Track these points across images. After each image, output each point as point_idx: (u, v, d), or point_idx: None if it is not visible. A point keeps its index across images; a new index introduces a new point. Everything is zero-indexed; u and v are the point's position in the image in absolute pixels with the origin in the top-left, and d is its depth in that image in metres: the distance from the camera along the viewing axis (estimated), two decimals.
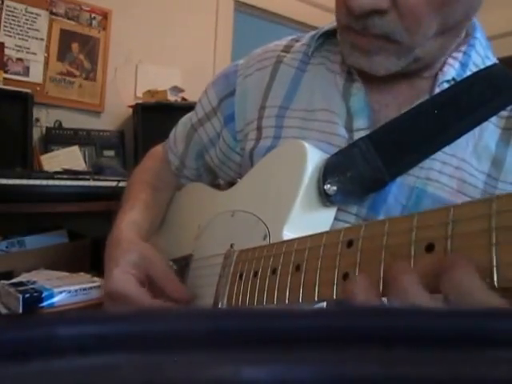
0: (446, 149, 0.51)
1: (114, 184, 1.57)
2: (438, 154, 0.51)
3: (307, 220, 0.50)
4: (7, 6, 1.84)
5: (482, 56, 0.55)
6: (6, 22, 1.84)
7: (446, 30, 0.49)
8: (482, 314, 0.15)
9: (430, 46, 0.50)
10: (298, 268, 0.40)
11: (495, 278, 0.26)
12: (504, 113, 0.52)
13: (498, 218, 0.27)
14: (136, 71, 2.22)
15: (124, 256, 0.59)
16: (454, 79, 0.53)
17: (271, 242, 0.50)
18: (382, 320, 0.15)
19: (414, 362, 0.13)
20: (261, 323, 0.15)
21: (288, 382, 0.13)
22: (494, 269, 0.26)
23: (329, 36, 0.62)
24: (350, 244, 0.36)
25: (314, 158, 0.51)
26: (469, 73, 0.53)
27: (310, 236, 0.40)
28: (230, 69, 0.71)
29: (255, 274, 0.46)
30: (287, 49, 0.66)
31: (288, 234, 0.49)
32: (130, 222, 0.67)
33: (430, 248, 0.30)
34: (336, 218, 0.52)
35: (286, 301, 0.40)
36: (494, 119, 0.52)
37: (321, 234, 0.39)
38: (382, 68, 0.52)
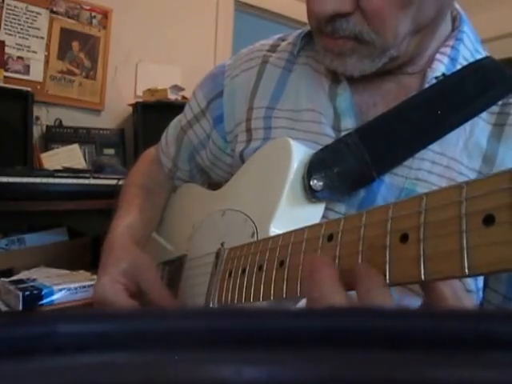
0: (436, 147, 0.51)
1: (114, 182, 1.57)
2: (428, 154, 0.51)
3: (294, 216, 0.50)
4: (8, 5, 1.85)
5: (470, 50, 0.55)
6: (6, 21, 1.84)
7: (421, 28, 0.49)
8: (484, 317, 0.15)
9: (405, 45, 0.50)
10: (281, 263, 0.40)
11: (466, 265, 0.26)
12: (495, 108, 0.52)
13: (467, 204, 0.27)
14: (136, 70, 2.22)
15: (114, 264, 0.59)
16: (444, 74, 0.53)
17: (259, 239, 0.50)
18: (385, 321, 0.15)
19: (417, 364, 0.13)
20: (262, 323, 0.15)
21: (288, 382, 0.13)
22: (465, 256, 0.26)
23: None
24: (330, 238, 0.36)
25: (299, 153, 0.51)
26: (459, 67, 0.53)
27: (294, 231, 0.40)
28: (218, 70, 0.71)
29: (243, 271, 0.46)
30: (273, 48, 0.66)
31: (275, 230, 0.49)
32: (125, 226, 0.67)
33: (404, 238, 0.30)
34: (326, 217, 0.52)
35: (271, 297, 0.40)
36: (484, 115, 0.52)
37: (303, 229, 0.39)
38: (356, 70, 0.52)
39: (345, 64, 0.51)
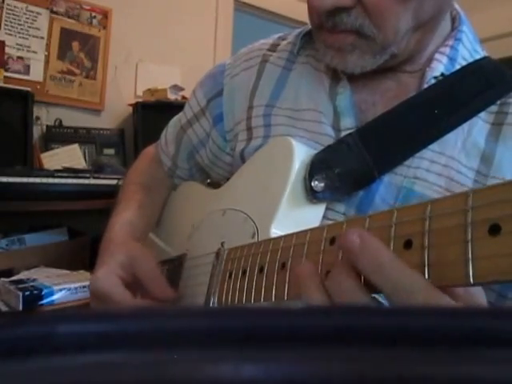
0: (435, 147, 0.51)
1: (114, 182, 1.57)
2: (426, 153, 0.51)
3: (295, 217, 0.50)
4: (8, 5, 1.85)
5: (469, 49, 0.55)
6: (6, 21, 1.84)
7: (421, 24, 0.49)
8: (485, 314, 0.15)
9: (406, 42, 0.50)
10: (283, 266, 0.40)
11: (470, 274, 0.26)
12: (493, 107, 0.52)
13: (473, 212, 0.27)
14: (136, 70, 2.22)
15: (112, 256, 0.58)
16: (442, 74, 0.53)
17: (259, 239, 0.50)
18: (383, 319, 0.15)
19: (416, 361, 0.13)
20: (261, 321, 0.15)
21: (288, 381, 0.13)
22: (470, 265, 0.26)
23: None
24: (332, 241, 0.36)
25: (301, 154, 0.51)
26: (458, 67, 0.53)
27: (296, 233, 0.40)
28: (218, 69, 0.71)
29: (244, 272, 0.45)
30: (273, 47, 0.66)
31: (276, 231, 0.49)
32: (124, 222, 0.67)
33: (408, 244, 0.30)
34: (325, 217, 0.52)
35: (273, 299, 0.40)
36: (483, 114, 0.52)
37: (305, 232, 0.39)
38: (357, 66, 0.51)
39: (345, 61, 0.51)
